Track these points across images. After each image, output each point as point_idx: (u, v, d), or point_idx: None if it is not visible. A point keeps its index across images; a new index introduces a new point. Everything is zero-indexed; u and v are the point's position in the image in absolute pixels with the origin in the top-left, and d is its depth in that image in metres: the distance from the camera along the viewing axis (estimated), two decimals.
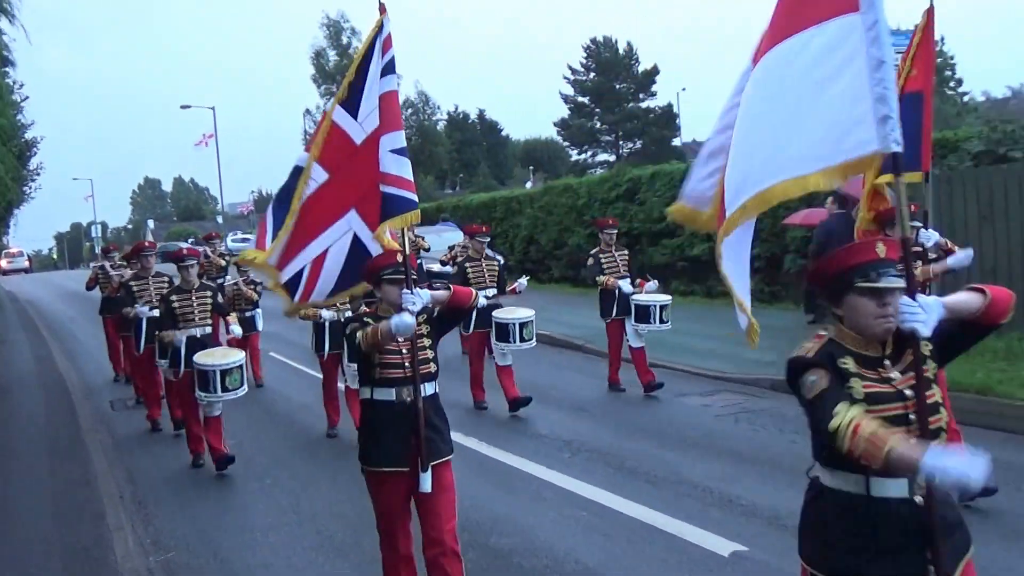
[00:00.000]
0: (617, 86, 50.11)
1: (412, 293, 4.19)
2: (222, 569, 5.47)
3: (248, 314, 10.69)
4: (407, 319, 4.06)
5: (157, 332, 8.09)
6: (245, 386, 7.46)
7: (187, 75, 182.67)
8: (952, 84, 39.28)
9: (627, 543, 5.44)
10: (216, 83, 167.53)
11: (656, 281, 9.69)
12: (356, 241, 4.70)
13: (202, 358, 7.33)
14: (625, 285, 9.30)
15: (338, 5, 77.87)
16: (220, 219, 56.19)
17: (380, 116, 4.51)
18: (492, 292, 9.07)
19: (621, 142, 50.92)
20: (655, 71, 50.43)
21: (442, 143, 47.04)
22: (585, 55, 50.84)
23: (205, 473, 7.62)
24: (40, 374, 13.33)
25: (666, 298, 9.41)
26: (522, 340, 8.84)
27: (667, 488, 6.42)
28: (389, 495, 4.29)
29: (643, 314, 9.18)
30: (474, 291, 4.70)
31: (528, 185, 47.21)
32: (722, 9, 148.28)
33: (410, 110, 44.46)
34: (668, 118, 50.50)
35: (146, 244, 9.91)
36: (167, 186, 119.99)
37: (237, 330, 8.16)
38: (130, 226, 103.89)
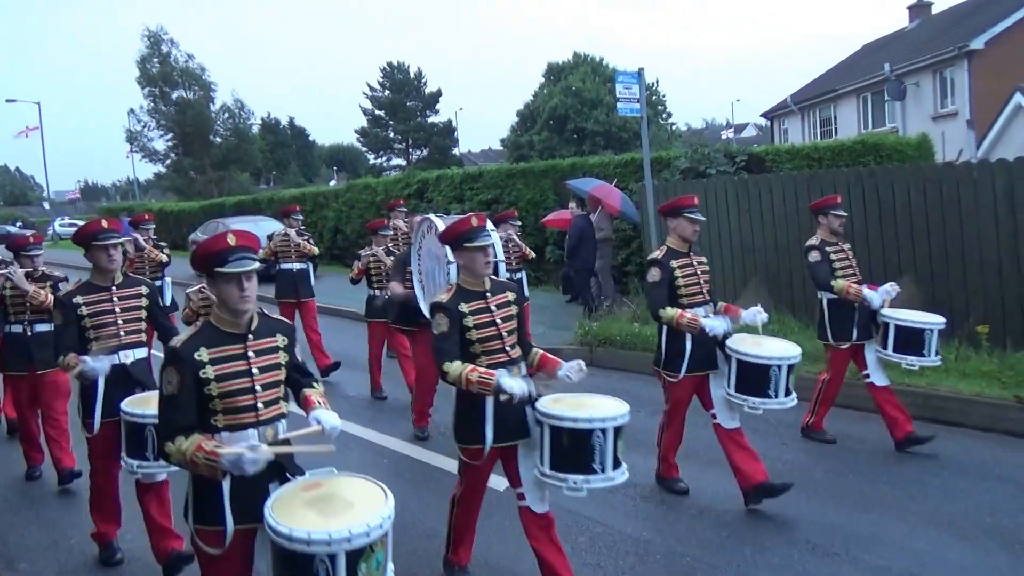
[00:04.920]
0: (408, 103, 49.49)
1: None
2: None
3: None
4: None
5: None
6: (390, 568, 2.67)
7: (13, 69, 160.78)
8: (664, 116, 42.14)
9: (424, 484, 5.34)
10: (43, 78, 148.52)
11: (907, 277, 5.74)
12: None
13: (287, 513, 2.54)
14: (873, 295, 5.40)
15: (157, 18, 71.53)
16: (47, 205, 49.95)
17: None
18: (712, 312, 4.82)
19: (411, 150, 50.32)
20: (439, 93, 50.31)
21: (256, 143, 44.32)
22: (382, 75, 49.81)
23: (54, 484, 5.64)
24: None
25: (939, 320, 5.43)
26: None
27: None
28: None
29: (913, 341, 5.33)
30: None
31: (333, 183, 45.76)
32: (494, 50, 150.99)
33: (227, 114, 41.47)
34: (449, 132, 50.63)
35: (102, 223, 4.30)
36: None
37: None
38: None
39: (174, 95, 39.90)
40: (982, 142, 17.64)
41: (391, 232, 8.36)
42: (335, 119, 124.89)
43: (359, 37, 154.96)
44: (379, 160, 51.81)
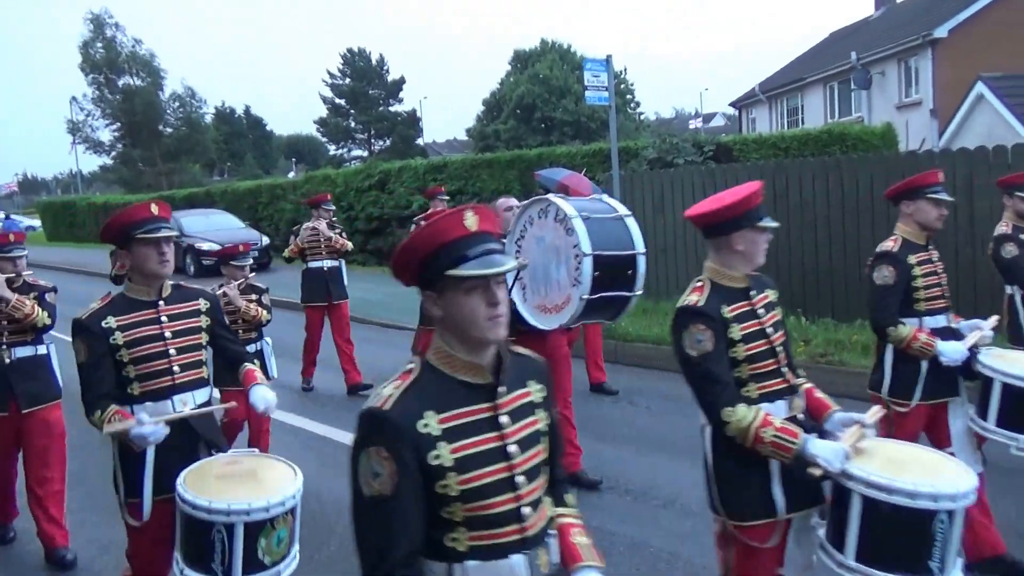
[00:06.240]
0: (370, 91, 49.19)
1: None
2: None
3: (249, 348, 5.29)
4: None
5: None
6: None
7: None
8: (632, 105, 42.44)
9: None
10: None
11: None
12: None
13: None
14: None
15: (101, 1, 69.70)
16: None
17: None
18: None
19: (373, 140, 50.03)
20: (402, 81, 50.06)
21: (209, 133, 43.64)
22: (342, 62, 49.41)
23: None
24: None
25: None
26: None
27: None
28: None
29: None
30: None
31: (291, 175, 45.32)
32: (458, 37, 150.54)
33: (177, 103, 40.79)
34: (413, 121, 50.41)
35: (151, 208, 3.05)
36: None
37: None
38: None
39: (120, 82, 39.09)
40: (945, 131, 18.11)
41: None
42: (293, 108, 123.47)
43: (318, 22, 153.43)
44: (340, 151, 51.45)
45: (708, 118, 58.16)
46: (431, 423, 1.65)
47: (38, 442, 4.40)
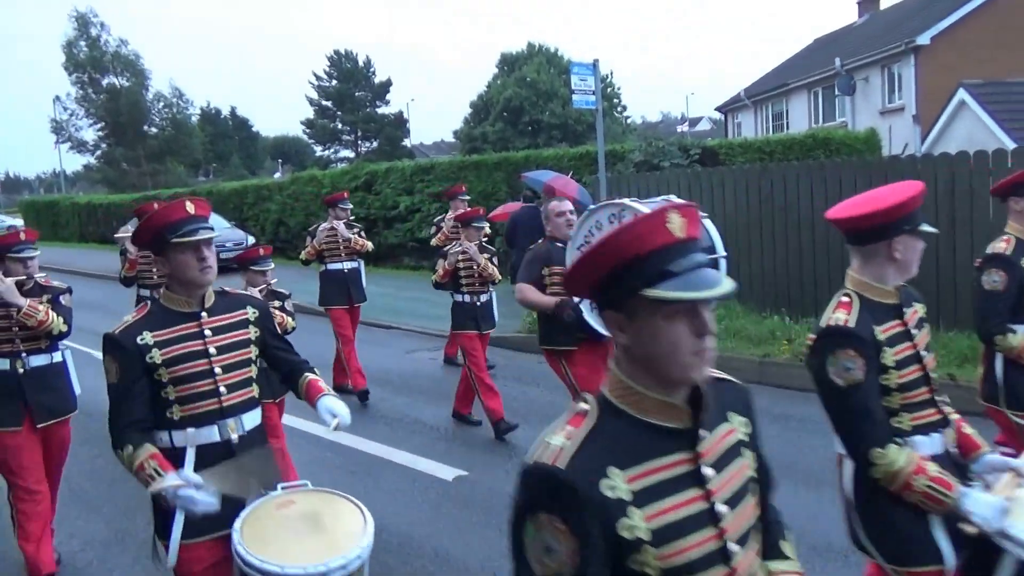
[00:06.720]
0: (357, 93, 49.13)
1: None
2: None
3: None
4: None
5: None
6: None
7: None
8: (619, 109, 42.60)
9: (367, 476, 5.42)
10: None
11: None
12: None
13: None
14: None
15: (86, 0, 68.66)
16: None
17: None
18: None
19: (360, 141, 49.95)
20: (389, 83, 50.04)
21: (195, 135, 43.43)
22: (329, 64, 49.34)
23: None
24: None
25: None
26: None
27: (400, 428, 6.46)
28: None
29: None
30: None
31: (277, 176, 45.19)
32: (447, 39, 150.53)
33: (161, 103, 40.55)
34: (400, 123, 50.38)
35: (187, 207, 2.61)
36: None
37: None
38: None
39: (104, 82, 38.86)
40: (927, 137, 18.35)
41: (485, 224, 7.12)
42: (280, 109, 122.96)
43: (305, 23, 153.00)
44: (327, 152, 51.35)
45: (694, 122, 58.53)
46: (618, 483, 1.28)
47: (49, 458, 4.20)
